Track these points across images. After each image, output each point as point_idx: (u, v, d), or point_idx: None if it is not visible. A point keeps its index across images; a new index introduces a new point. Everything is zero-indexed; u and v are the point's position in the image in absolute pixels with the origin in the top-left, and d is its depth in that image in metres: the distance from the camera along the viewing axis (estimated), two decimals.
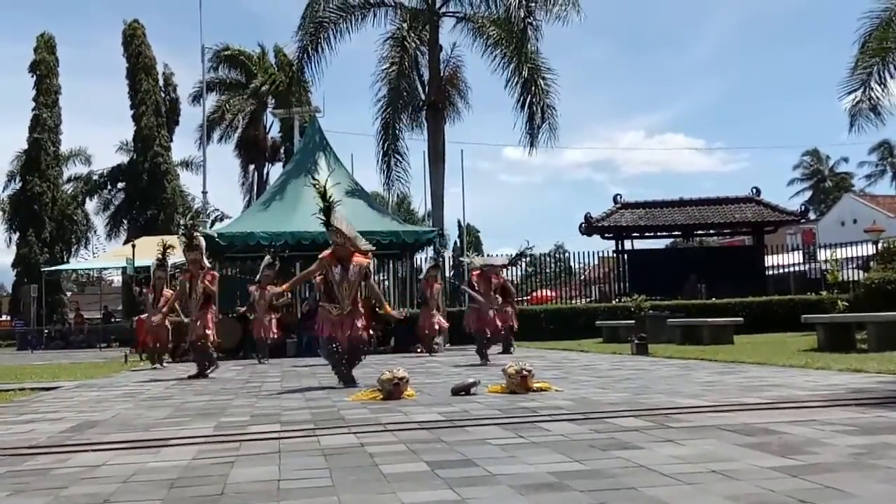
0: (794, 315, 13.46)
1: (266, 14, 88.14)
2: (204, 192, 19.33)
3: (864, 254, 22.50)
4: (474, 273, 11.35)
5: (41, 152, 37.65)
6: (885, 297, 11.84)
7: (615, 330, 16.11)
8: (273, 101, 35.22)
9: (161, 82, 40.32)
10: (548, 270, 26.81)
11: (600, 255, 25.24)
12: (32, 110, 37.97)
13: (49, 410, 6.08)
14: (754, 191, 24.80)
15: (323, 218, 7.37)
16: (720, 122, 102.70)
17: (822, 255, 23.52)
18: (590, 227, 23.64)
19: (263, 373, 10.17)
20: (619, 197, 24.86)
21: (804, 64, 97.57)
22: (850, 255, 22.58)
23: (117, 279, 38.35)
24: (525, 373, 5.95)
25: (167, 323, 11.82)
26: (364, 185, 18.51)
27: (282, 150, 36.91)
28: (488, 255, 13.58)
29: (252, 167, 38.45)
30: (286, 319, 15.52)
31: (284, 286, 9.19)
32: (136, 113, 38.30)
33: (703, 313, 16.30)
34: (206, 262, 9.78)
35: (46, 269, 32.81)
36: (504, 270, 13.04)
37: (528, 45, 18.57)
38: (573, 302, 24.34)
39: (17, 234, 38.16)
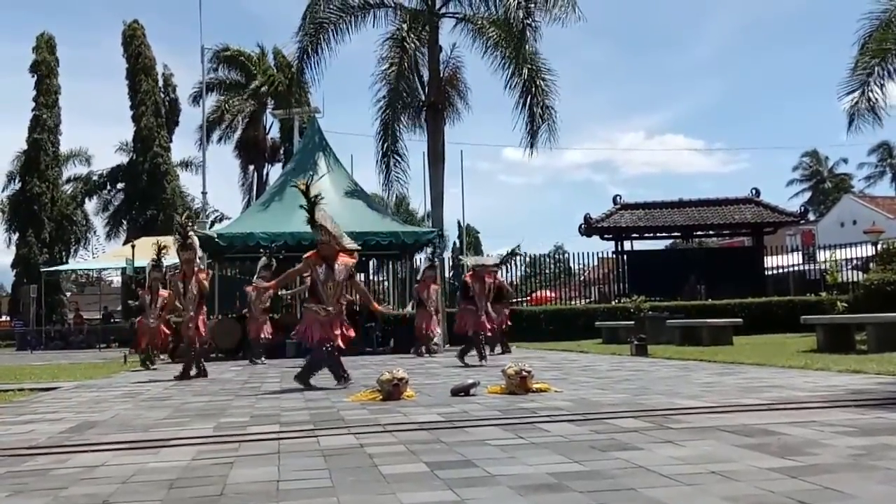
0: (794, 316, 13.47)
1: (265, 15, 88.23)
2: (203, 193, 19.37)
3: (864, 255, 22.51)
4: (467, 274, 11.34)
5: (41, 153, 37.63)
6: (884, 298, 11.85)
7: (615, 331, 16.12)
8: (272, 101, 35.23)
9: (161, 83, 40.31)
10: (547, 271, 26.82)
11: (600, 255, 25.28)
12: (32, 110, 37.94)
13: (48, 411, 6.08)
14: (754, 192, 24.81)
15: (307, 215, 7.37)
16: (720, 123, 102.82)
17: (822, 256, 23.54)
18: (589, 227, 23.65)
19: (262, 373, 10.17)
20: (618, 198, 24.87)
21: (803, 65, 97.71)
22: (849, 257, 22.59)
23: (117, 280, 38.34)
24: (524, 374, 5.95)
25: (164, 325, 11.84)
26: (364, 186, 18.55)
27: (281, 151, 36.91)
28: (481, 256, 13.58)
29: (252, 168, 38.45)
30: (285, 320, 15.53)
31: (271, 283, 9.20)
32: (136, 113, 38.28)
33: (703, 314, 16.30)
34: (199, 262, 9.74)
35: (46, 269, 32.80)
36: (499, 270, 13.00)
37: (527, 46, 18.55)
38: (573, 303, 24.35)
39: (17, 234, 38.13)
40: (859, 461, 3.05)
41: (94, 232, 41.47)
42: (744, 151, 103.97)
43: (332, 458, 3.51)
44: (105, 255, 34.24)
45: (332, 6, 19.01)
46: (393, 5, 19.88)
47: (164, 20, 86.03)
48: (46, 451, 4.03)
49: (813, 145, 65.40)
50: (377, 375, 6.11)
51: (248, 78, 36.48)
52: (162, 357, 13.48)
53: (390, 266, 23.78)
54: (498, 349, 13.20)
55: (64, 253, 39.85)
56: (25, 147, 38.21)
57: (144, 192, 37.90)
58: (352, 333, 7.48)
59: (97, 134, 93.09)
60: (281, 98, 30.04)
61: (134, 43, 38.45)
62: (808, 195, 58.01)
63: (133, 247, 23.48)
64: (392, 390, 5.82)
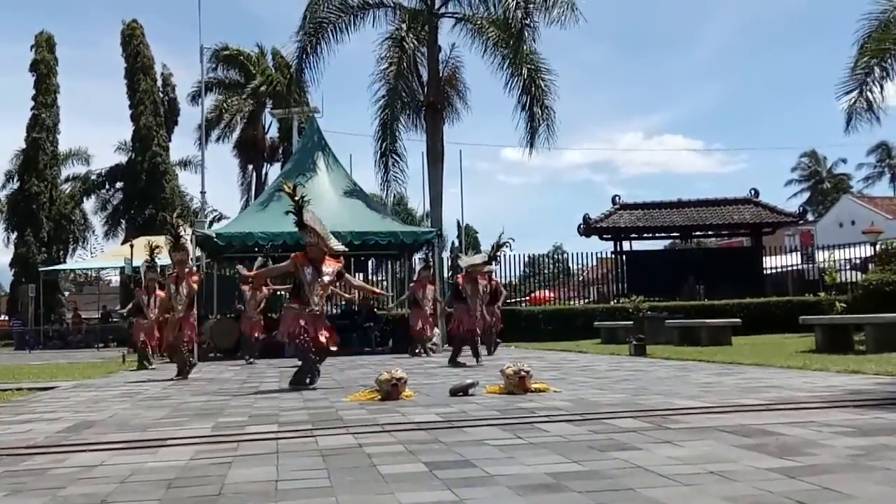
0: (792, 316, 13.48)
1: (265, 15, 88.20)
2: (202, 192, 19.29)
3: (862, 255, 22.53)
4: (460, 275, 11.32)
5: (39, 152, 37.60)
6: (882, 298, 11.87)
7: (613, 331, 16.12)
8: (271, 101, 35.21)
9: (160, 82, 40.29)
10: (546, 271, 26.83)
11: (599, 256, 25.29)
12: (31, 109, 37.91)
13: (46, 410, 6.07)
14: (753, 192, 24.82)
15: (295, 218, 7.37)
16: (719, 124, 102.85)
17: (821, 256, 23.54)
18: (588, 228, 23.65)
19: (261, 373, 10.17)
20: (617, 198, 24.88)
21: (802, 66, 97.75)
22: (848, 257, 22.61)
23: (115, 279, 38.32)
24: (523, 374, 5.95)
25: (158, 326, 11.83)
26: (362, 186, 18.53)
27: (280, 151, 36.89)
28: (469, 255, 13.56)
29: (250, 167, 38.43)
30: None
31: (253, 272, 9.20)
32: (135, 113, 38.26)
33: (702, 314, 16.31)
34: (192, 263, 9.74)
35: (44, 268, 32.78)
36: (492, 267, 12.95)
37: (525, 46, 18.57)
38: (571, 303, 24.35)
39: (15, 233, 38.11)
40: (858, 461, 3.05)
41: (93, 231, 41.51)
42: (743, 152, 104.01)
43: (330, 457, 3.51)
44: (103, 255, 34.20)
45: (331, 6, 19.01)
46: (392, 5, 19.89)
47: (163, 20, 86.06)
48: (44, 450, 4.03)
49: (811, 146, 65.44)
50: (376, 375, 6.10)
51: (247, 77, 36.47)
52: (162, 356, 13.47)
53: (389, 266, 23.77)
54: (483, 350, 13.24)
55: (62, 252, 39.83)
56: (24, 146, 38.18)
57: (143, 192, 37.88)
58: (335, 338, 7.43)
59: (96, 133, 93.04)
60: (280, 98, 30.02)
61: (133, 42, 38.43)
62: (806, 195, 58.04)
63: (132, 246, 23.45)
64: (391, 390, 5.82)
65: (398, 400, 5.78)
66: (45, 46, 37.99)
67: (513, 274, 24.40)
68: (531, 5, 18.25)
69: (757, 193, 24.78)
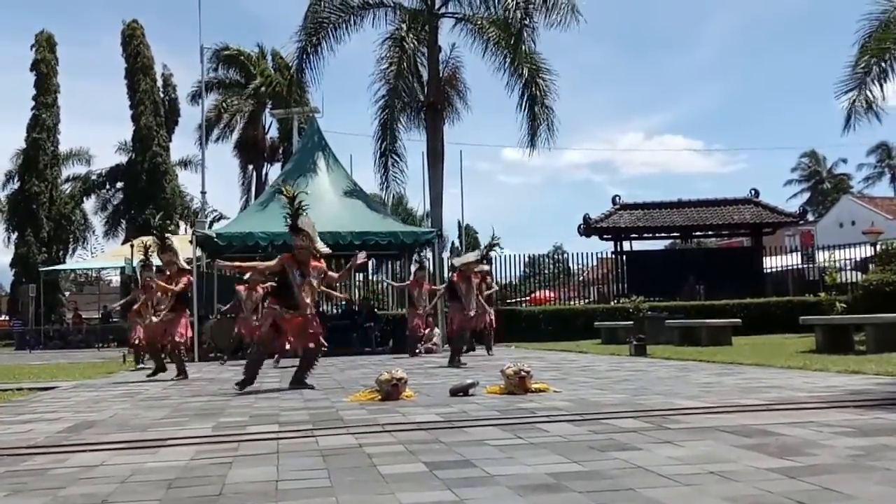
0: (793, 316, 13.47)
1: (265, 16, 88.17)
2: (203, 193, 19.29)
3: (863, 255, 22.52)
4: (454, 274, 11.31)
5: (40, 152, 37.61)
6: (883, 298, 11.87)
7: (614, 331, 16.11)
8: (271, 101, 35.22)
9: (160, 82, 40.31)
10: (546, 271, 26.82)
11: (599, 256, 25.28)
12: (32, 109, 37.92)
13: (47, 410, 6.07)
14: (753, 192, 24.81)
15: (290, 222, 7.38)
16: (719, 124, 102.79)
17: (821, 256, 23.54)
18: (588, 228, 23.64)
19: (261, 373, 10.13)
20: (617, 198, 24.87)
21: (802, 66, 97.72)
22: (848, 257, 22.60)
23: (116, 279, 38.33)
24: (523, 374, 5.95)
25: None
26: (363, 186, 18.52)
27: (280, 151, 36.90)
28: (462, 254, 13.55)
29: (251, 167, 38.44)
30: None
31: (236, 264, 9.21)
32: (135, 113, 38.29)
33: (702, 315, 16.31)
34: (183, 263, 9.72)
35: (45, 268, 32.79)
36: (485, 267, 12.93)
37: (525, 47, 18.58)
38: (572, 303, 24.35)
39: (16, 233, 38.13)
40: (858, 462, 3.05)
41: (93, 231, 41.53)
42: (743, 152, 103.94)
43: (330, 457, 3.51)
44: (104, 255, 34.22)
45: (332, 6, 19.01)
46: (392, 5, 19.89)
47: (164, 20, 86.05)
48: (45, 450, 4.03)
49: (812, 146, 65.41)
50: (376, 375, 6.10)
51: (247, 78, 36.49)
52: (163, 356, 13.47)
53: (389, 266, 23.78)
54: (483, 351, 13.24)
55: (62, 252, 39.85)
56: (24, 146, 38.20)
57: (143, 192, 37.90)
58: (317, 338, 7.40)
59: (97, 134, 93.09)
60: (280, 98, 30.02)
61: (133, 42, 38.44)
62: (806, 196, 58.04)
63: (132, 246, 23.44)
64: (391, 390, 5.82)
65: (398, 400, 5.78)
66: (45, 46, 38.01)
67: (513, 274, 24.43)
68: (531, 6, 18.26)
69: (757, 193, 24.77)
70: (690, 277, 22.12)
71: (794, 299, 19.47)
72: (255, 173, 38.14)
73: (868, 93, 14.48)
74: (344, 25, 19.17)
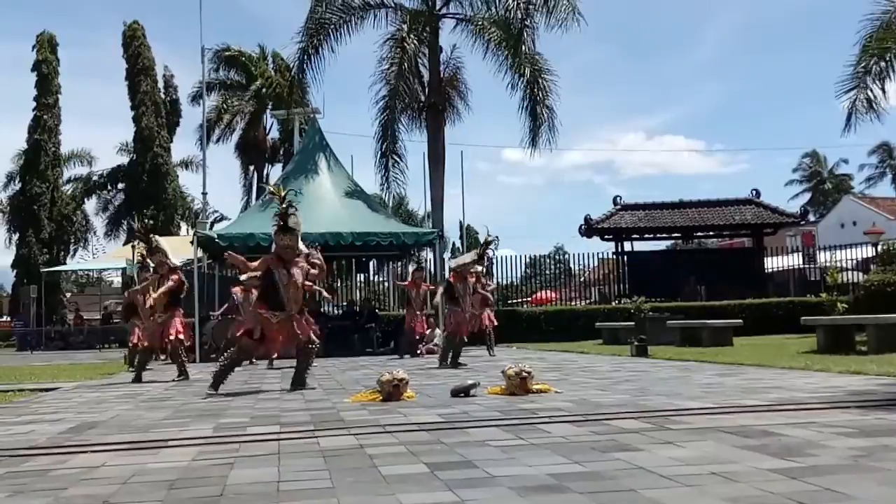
0: (794, 317, 13.46)
1: (265, 17, 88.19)
2: (204, 193, 19.30)
3: (864, 256, 22.49)
4: (451, 275, 11.29)
5: (41, 153, 37.64)
6: (884, 299, 11.85)
7: (615, 332, 16.11)
8: (271, 102, 35.24)
9: (161, 83, 40.34)
10: (548, 272, 26.81)
11: (600, 256, 25.26)
12: (33, 110, 37.95)
13: (48, 411, 6.08)
14: (754, 192, 24.79)
15: (281, 222, 7.38)
16: (720, 124, 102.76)
17: (822, 257, 23.50)
18: (590, 228, 23.63)
19: (262, 374, 10.17)
20: (618, 199, 24.85)
21: (804, 67, 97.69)
22: (849, 258, 22.57)
23: (117, 280, 38.35)
24: (525, 374, 5.95)
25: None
26: (364, 186, 18.53)
27: (281, 152, 36.92)
28: (461, 254, 13.53)
29: (252, 168, 38.47)
30: None
31: (241, 258, 9.17)
32: (136, 114, 38.32)
33: (703, 315, 16.29)
34: (174, 262, 9.70)
35: (46, 269, 32.80)
36: (482, 266, 12.89)
37: (526, 47, 18.60)
38: (573, 304, 24.33)
39: (17, 234, 38.15)
40: (859, 462, 3.05)
41: (94, 232, 41.53)
42: (744, 152, 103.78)
43: (332, 458, 3.51)
44: (105, 256, 34.24)
45: (333, 6, 19.03)
46: (393, 5, 19.92)
47: (165, 20, 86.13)
48: (46, 451, 4.03)
49: (813, 146, 65.32)
50: (377, 376, 6.10)
51: (248, 78, 36.53)
52: (163, 357, 13.48)
53: (390, 266, 23.77)
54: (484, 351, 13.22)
55: (63, 253, 39.86)
56: (25, 147, 38.23)
57: (144, 193, 37.91)
58: (313, 335, 7.40)
59: (98, 135, 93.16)
60: (281, 99, 30.06)
61: (134, 44, 38.47)
62: (808, 196, 58.01)
63: (133, 247, 23.45)
64: (392, 391, 5.82)
65: (400, 401, 5.78)
66: (47, 47, 38.02)
67: (514, 275, 24.42)
68: (531, 6, 18.28)
69: (758, 194, 24.75)
70: (691, 278, 22.10)
71: (795, 300, 19.46)
72: (256, 174, 38.18)
73: (869, 92, 14.47)
74: (345, 26, 19.20)
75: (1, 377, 10.36)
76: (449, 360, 10.26)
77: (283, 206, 7.40)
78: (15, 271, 38.03)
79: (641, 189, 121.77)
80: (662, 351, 11.65)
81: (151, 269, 12.20)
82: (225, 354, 7.78)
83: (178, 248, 22.17)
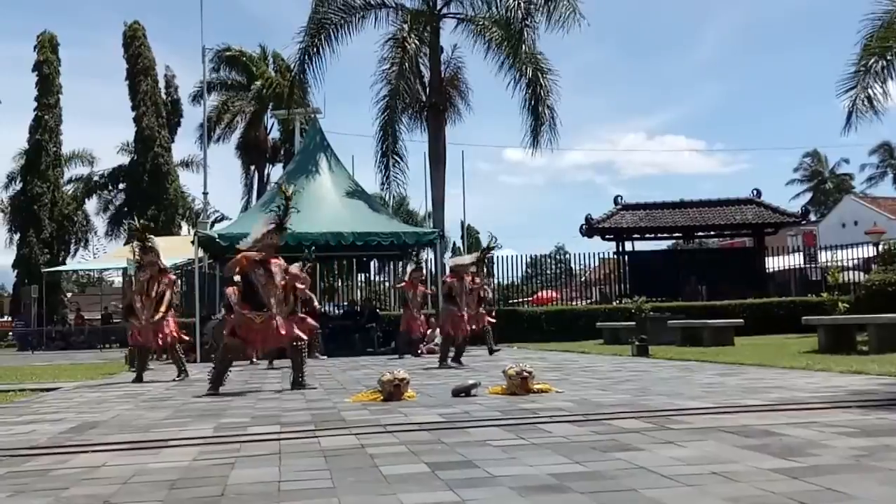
0: (795, 317, 13.45)
1: (266, 17, 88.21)
2: (205, 193, 19.34)
3: (865, 255, 22.47)
4: (448, 275, 11.27)
5: (42, 153, 37.66)
6: (885, 298, 11.84)
7: (616, 332, 16.10)
8: (272, 103, 35.24)
9: (162, 83, 40.36)
10: (549, 272, 26.81)
11: (601, 256, 25.26)
12: (34, 111, 37.96)
13: (49, 411, 6.08)
14: (755, 192, 24.77)
15: (279, 221, 7.42)
16: (721, 124, 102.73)
17: (823, 256, 23.48)
18: (590, 228, 23.62)
19: (263, 374, 10.18)
20: (619, 198, 24.83)
21: (804, 66, 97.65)
22: (850, 257, 22.56)
23: (118, 280, 38.36)
24: (525, 374, 5.95)
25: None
26: (365, 186, 18.53)
27: (282, 152, 36.92)
28: (462, 255, 13.52)
29: (253, 168, 38.48)
30: None
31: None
32: (137, 114, 38.34)
33: (704, 315, 16.28)
34: (163, 263, 9.70)
35: (47, 269, 32.81)
36: (480, 268, 12.87)
37: (526, 46, 18.60)
38: (574, 303, 24.33)
39: (18, 234, 38.18)
40: (861, 462, 3.05)
41: (95, 232, 41.54)
42: (745, 152, 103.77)
43: (333, 458, 3.51)
44: (106, 256, 34.24)
45: (333, 6, 19.04)
46: (394, 5, 19.93)
47: (166, 21, 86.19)
48: (47, 451, 4.03)
49: (814, 146, 65.31)
50: (378, 376, 6.10)
51: (249, 78, 36.53)
52: (164, 357, 13.48)
53: (391, 266, 23.77)
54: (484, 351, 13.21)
55: (64, 253, 39.88)
56: (27, 147, 38.25)
57: (145, 193, 37.93)
58: (299, 332, 7.37)
59: (99, 135, 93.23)
60: (282, 99, 30.06)
61: (134, 44, 38.49)
62: (809, 196, 57.99)
63: (133, 247, 23.44)
64: (393, 391, 5.82)
65: (400, 400, 5.78)
66: (48, 47, 38.04)
67: (515, 274, 24.43)
68: (532, 5, 18.28)
69: (759, 194, 24.73)
70: (692, 278, 22.08)
71: (796, 299, 19.44)
72: (256, 174, 38.19)
73: (870, 91, 14.45)
74: (346, 26, 19.21)
75: (2, 377, 10.36)
76: (449, 359, 10.25)
77: (289, 206, 7.42)
78: (16, 271, 38.06)
79: (642, 189, 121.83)
80: (663, 351, 11.65)
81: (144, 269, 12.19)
82: (215, 356, 7.78)
83: (179, 248, 22.26)
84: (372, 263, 23.49)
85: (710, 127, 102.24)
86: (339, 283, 27.93)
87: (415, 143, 29.03)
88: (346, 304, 22.31)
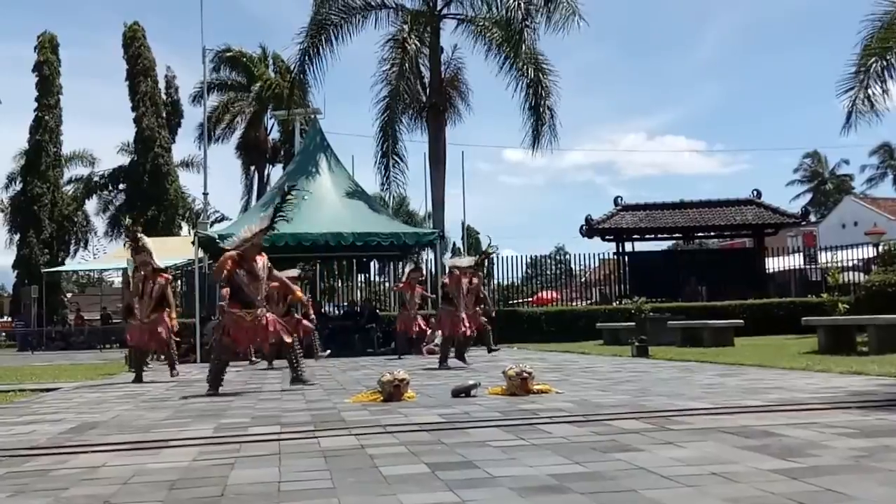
0: (795, 317, 13.44)
1: (266, 17, 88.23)
2: (205, 194, 19.29)
3: (865, 256, 22.47)
4: (446, 276, 11.26)
5: (42, 154, 37.66)
6: (885, 299, 11.83)
7: (616, 332, 16.10)
8: (272, 103, 35.23)
9: (163, 84, 40.36)
10: (549, 272, 26.82)
11: (601, 257, 25.26)
12: (34, 111, 37.97)
13: (49, 411, 6.08)
14: (755, 193, 24.77)
15: (272, 223, 7.44)
16: (721, 125, 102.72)
17: (823, 257, 23.48)
18: (590, 229, 23.62)
19: (263, 374, 10.18)
20: (619, 199, 24.83)
21: (804, 67, 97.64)
22: (850, 258, 22.55)
23: (117, 280, 38.34)
24: (525, 375, 5.95)
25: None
26: (365, 187, 18.53)
27: (282, 152, 36.93)
28: (461, 255, 13.51)
29: (253, 168, 38.47)
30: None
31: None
32: (137, 114, 38.34)
33: (704, 316, 16.28)
34: (157, 263, 9.69)
35: (47, 270, 32.81)
36: (479, 269, 12.85)
37: (526, 47, 18.61)
38: (574, 304, 24.32)
39: (18, 235, 38.18)
40: (860, 463, 3.05)
41: (95, 233, 41.54)
42: (745, 153, 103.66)
43: (332, 459, 3.51)
44: (106, 256, 34.24)
45: (334, 7, 19.05)
46: (394, 6, 19.93)
47: (166, 21, 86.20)
48: (47, 451, 4.04)
49: (814, 146, 65.28)
50: (378, 376, 6.10)
51: (249, 79, 36.53)
52: (163, 357, 13.48)
53: (391, 267, 23.76)
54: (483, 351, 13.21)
55: (64, 254, 39.88)
56: (27, 148, 38.26)
57: (145, 193, 37.93)
58: (276, 332, 7.37)
59: (100, 135, 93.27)
60: (282, 100, 30.08)
61: (134, 44, 38.48)
62: (809, 196, 57.99)
63: (126, 248, 23.43)
64: (393, 391, 5.82)
65: (400, 401, 5.78)
66: (48, 47, 38.04)
67: (515, 275, 24.43)
68: (532, 6, 18.29)
69: (759, 194, 24.73)
70: (692, 278, 22.08)
71: (796, 300, 19.44)
72: (256, 174, 38.18)
73: (870, 91, 14.44)
74: (346, 26, 19.22)
75: (2, 377, 10.36)
76: (448, 360, 10.24)
77: (284, 208, 7.44)
78: (16, 272, 38.06)
79: (642, 189, 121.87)
80: (663, 351, 11.65)
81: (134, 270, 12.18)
82: (211, 357, 7.78)
83: (179, 248, 22.25)
84: (372, 264, 23.49)
85: (711, 127, 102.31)
86: (339, 284, 27.91)
87: (415, 143, 29.05)
88: (345, 304, 22.31)
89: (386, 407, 5.52)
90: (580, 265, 26.36)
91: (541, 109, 19.30)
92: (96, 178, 40.76)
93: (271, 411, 5.53)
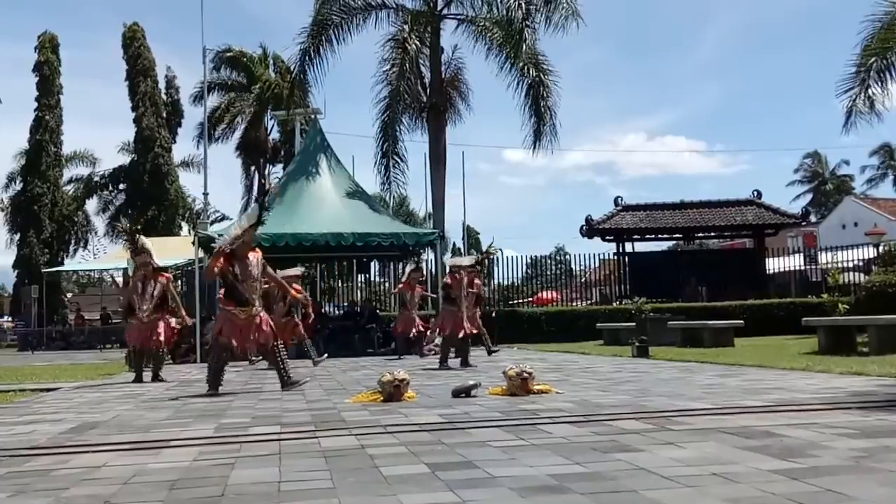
0: (795, 318, 13.45)
1: (267, 18, 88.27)
2: (205, 194, 19.28)
3: (866, 257, 22.47)
4: (446, 275, 11.25)
5: (42, 153, 37.67)
6: (885, 299, 11.84)
7: (616, 332, 16.10)
8: (272, 104, 35.22)
9: (163, 84, 40.36)
10: (549, 273, 26.82)
11: (601, 257, 25.26)
12: (35, 111, 37.97)
13: (50, 411, 6.08)
14: (755, 193, 24.77)
15: (257, 217, 7.48)
16: (721, 125, 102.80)
17: (823, 258, 23.47)
18: (591, 229, 23.62)
19: (263, 374, 10.18)
20: (619, 199, 24.83)
21: (805, 67, 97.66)
22: (851, 258, 22.55)
23: (118, 280, 38.29)
24: (526, 375, 5.95)
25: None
26: (365, 187, 18.53)
27: (282, 152, 36.92)
28: (461, 255, 13.50)
29: (253, 168, 38.46)
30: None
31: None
32: (137, 114, 38.34)
33: (704, 316, 16.28)
34: (157, 262, 9.67)
35: (47, 270, 32.81)
36: (480, 269, 12.84)
37: (527, 47, 18.61)
38: (574, 304, 24.32)
39: (18, 235, 38.18)
40: (860, 463, 3.05)
41: (95, 233, 41.53)
42: (745, 153, 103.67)
43: (333, 459, 3.51)
44: (106, 256, 34.23)
45: (335, 8, 19.04)
46: (395, 6, 19.93)
47: (166, 21, 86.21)
48: (48, 451, 4.04)
49: (814, 147, 65.25)
50: (378, 376, 6.10)
51: (249, 79, 36.52)
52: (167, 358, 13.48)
53: (391, 267, 23.76)
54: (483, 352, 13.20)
55: (64, 253, 39.88)
56: (27, 147, 38.26)
57: (146, 193, 37.93)
58: (266, 334, 7.33)
59: (100, 135, 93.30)
60: (281, 101, 30.08)
61: (133, 45, 38.49)
62: (809, 197, 57.97)
63: (126, 249, 23.40)
64: (393, 391, 5.82)
65: (400, 401, 5.78)
66: (48, 47, 38.06)
67: (515, 275, 24.42)
68: (532, 6, 18.29)
69: (759, 195, 24.73)
70: (692, 279, 22.08)
71: (796, 301, 19.44)
72: (256, 174, 38.17)
73: (870, 91, 14.43)
74: (346, 26, 19.21)
75: (2, 377, 10.36)
76: (448, 361, 10.24)
77: (264, 205, 7.47)
78: (16, 271, 38.07)
79: (643, 190, 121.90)
80: (663, 352, 11.65)
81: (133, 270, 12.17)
82: (210, 357, 7.79)
83: (180, 248, 22.25)
84: (372, 264, 23.49)
85: (711, 128, 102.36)
86: (340, 284, 27.91)
87: (415, 143, 29.09)
88: (346, 304, 22.31)
89: (386, 407, 5.52)
90: (580, 265, 26.38)
91: (541, 109, 19.30)
92: (96, 178, 40.76)
93: (272, 411, 5.53)
